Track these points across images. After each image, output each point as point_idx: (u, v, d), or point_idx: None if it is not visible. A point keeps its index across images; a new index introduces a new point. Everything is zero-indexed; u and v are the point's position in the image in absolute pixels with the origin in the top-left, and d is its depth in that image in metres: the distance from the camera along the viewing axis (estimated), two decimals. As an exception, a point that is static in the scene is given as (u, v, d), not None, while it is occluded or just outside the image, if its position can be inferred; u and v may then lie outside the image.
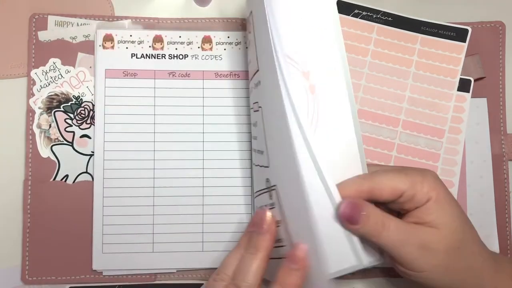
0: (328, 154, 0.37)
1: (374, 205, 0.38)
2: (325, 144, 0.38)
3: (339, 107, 0.39)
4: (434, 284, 0.37)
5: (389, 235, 0.36)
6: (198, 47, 0.48)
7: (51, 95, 0.47)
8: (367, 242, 0.38)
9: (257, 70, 0.40)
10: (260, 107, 0.41)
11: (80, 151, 0.47)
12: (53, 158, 0.47)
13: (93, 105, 0.47)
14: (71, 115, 0.47)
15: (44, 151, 0.47)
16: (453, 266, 0.37)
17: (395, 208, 0.39)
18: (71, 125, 0.47)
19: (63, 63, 0.48)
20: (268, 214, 0.39)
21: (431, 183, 0.37)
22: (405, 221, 0.38)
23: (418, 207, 0.38)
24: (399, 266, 0.38)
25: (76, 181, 0.47)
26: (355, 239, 0.37)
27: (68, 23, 0.48)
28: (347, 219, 0.36)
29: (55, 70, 0.47)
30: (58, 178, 0.47)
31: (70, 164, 0.47)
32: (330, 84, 0.39)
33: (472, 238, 0.38)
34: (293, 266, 0.36)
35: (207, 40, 0.48)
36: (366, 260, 0.37)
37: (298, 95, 0.37)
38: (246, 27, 0.48)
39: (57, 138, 0.47)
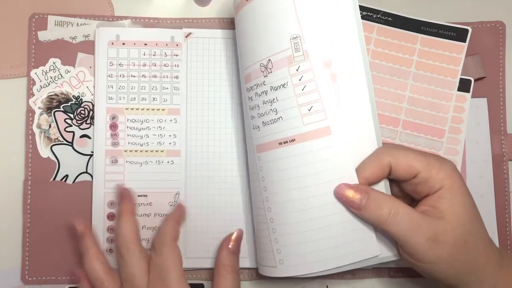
0: (347, 138, 0.39)
1: (387, 187, 0.39)
2: (345, 128, 0.39)
3: (358, 98, 0.39)
4: (440, 275, 0.37)
5: (398, 222, 0.36)
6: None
7: (51, 95, 0.47)
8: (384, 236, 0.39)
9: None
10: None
11: (80, 151, 0.47)
12: (53, 158, 0.47)
13: (93, 105, 0.47)
14: (71, 115, 0.47)
15: (44, 151, 0.47)
16: (459, 259, 0.37)
17: (408, 191, 0.39)
18: (71, 125, 0.47)
19: (63, 63, 0.48)
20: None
21: (448, 171, 0.37)
22: (416, 210, 0.38)
23: (431, 194, 0.38)
24: (407, 257, 0.38)
25: (76, 181, 0.47)
26: (370, 231, 0.38)
27: (68, 23, 0.48)
28: (347, 201, 0.38)
29: (55, 70, 0.47)
30: (58, 178, 0.47)
31: (70, 164, 0.47)
32: (350, 74, 0.39)
33: (480, 233, 0.38)
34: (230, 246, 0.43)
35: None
36: (385, 252, 0.39)
37: (322, 82, 0.38)
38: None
39: (57, 138, 0.47)
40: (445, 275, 0.37)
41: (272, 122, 0.40)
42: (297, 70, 0.39)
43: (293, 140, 0.39)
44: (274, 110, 0.40)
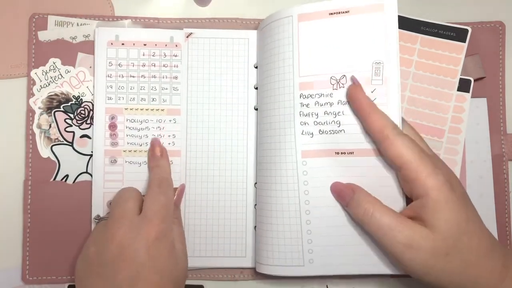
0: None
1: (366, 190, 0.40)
2: None
3: (396, 98, 0.42)
4: (422, 280, 0.38)
5: (371, 222, 0.38)
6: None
7: (51, 95, 0.47)
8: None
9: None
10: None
11: (80, 151, 0.47)
12: (53, 158, 0.47)
13: (93, 105, 0.47)
14: (71, 115, 0.47)
15: (44, 151, 0.47)
16: (438, 270, 0.37)
17: (401, 185, 0.40)
18: (71, 125, 0.47)
19: (63, 63, 0.48)
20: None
21: (437, 182, 0.37)
22: (400, 213, 0.39)
23: (415, 198, 0.38)
24: (390, 256, 0.39)
25: (76, 181, 0.47)
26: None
27: (68, 23, 0.48)
28: (338, 195, 0.41)
29: (55, 70, 0.47)
30: (58, 178, 0.47)
31: (70, 164, 0.47)
32: (394, 78, 0.42)
33: (469, 247, 0.37)
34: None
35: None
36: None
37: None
38: (248, 27, 0.49)
39: (57, 138, 0.47)
40: (426, 281, 0.38)
41: (332, 132, 0.42)
42: (371, 92, 0.41)
43: (351, 153, 0.42)
44: (337, 122, 0.42)
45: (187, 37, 0.48)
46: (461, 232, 0.37)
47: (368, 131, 0.40)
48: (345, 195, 0.40)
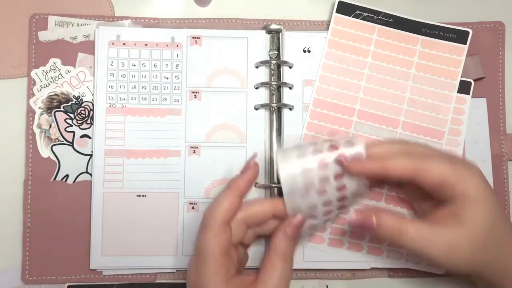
0: None
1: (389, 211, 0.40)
2: None
3: None
4: (464, 277, 0.41)
5: (408, 238, 0.37)
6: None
7: (51, 95, 0.47)
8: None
9: None
10: None
11: (80, 151, 0.47)
12: (53, 158, 0.47)
13: (93, 105, 0.47)
14: (71, 115, 0.47)
15: (44, 151, 0.47)
16: (480, 262, 0.37)
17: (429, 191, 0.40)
18: (71, 125, 0.47)
19: (63, 63, 0.48)
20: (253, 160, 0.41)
21: (476, 184, 0.37)
22: (430, 221, 0.38)
23: (452, 201, 0.38)
24: (430, 263, 0.40)
25: (76, 181, 0.47)
26: None
27: (68, 23, 0.48)
28: (360, 227, 0.38)
29: (55, 70, 0.47)
30: (58, 178, 0.47)
31: (70, 164, 0.47)
32: None
33: (503, 231, 0.38)
34: (288, 231, 0.38)
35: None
36: None
37: None
38: (248, 27, 0.49)
39: (57, 138, 0.47)
40: (470, 275, 0.40)
41: None
42: None
43: None
44: None
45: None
46: (494, 223, 0.37)
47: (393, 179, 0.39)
48: (369, 223, 0.38)
